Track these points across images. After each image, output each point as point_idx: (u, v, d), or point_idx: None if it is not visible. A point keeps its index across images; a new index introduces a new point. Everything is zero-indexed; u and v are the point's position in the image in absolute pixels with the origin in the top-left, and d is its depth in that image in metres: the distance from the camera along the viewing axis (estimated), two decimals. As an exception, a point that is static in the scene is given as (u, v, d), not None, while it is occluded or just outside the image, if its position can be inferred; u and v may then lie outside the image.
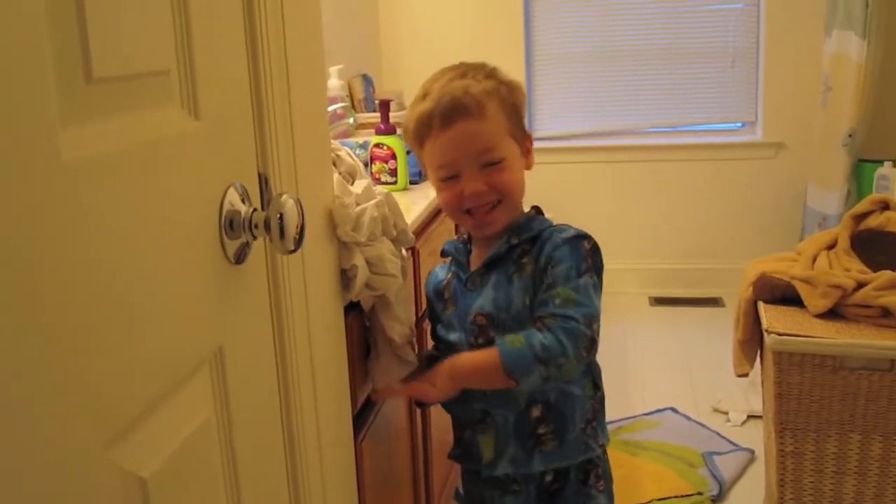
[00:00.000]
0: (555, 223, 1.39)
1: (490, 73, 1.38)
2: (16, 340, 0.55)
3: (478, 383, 1.34)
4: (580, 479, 1.38)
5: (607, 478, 1.42)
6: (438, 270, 1.48)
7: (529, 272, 1.32)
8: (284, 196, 0.88)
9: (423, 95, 1.35)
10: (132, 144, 0.70)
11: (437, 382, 1.33)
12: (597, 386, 1.41)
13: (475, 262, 1.40)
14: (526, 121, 1.43)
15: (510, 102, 1.36)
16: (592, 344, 1.27)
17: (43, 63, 0.59)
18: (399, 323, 1.35)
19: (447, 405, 1.42)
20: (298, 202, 0.89)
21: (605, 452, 1.43)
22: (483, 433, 1.38)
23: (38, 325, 0.57)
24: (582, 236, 1.32)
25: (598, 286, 1.31)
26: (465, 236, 1.45)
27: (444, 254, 1.48)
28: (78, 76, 0.63)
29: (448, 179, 1.33)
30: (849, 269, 2.07)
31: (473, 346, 1.35)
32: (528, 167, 1.40)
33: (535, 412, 1.33)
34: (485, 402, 1.37)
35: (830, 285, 2.00)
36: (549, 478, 1.38)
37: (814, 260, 2.15)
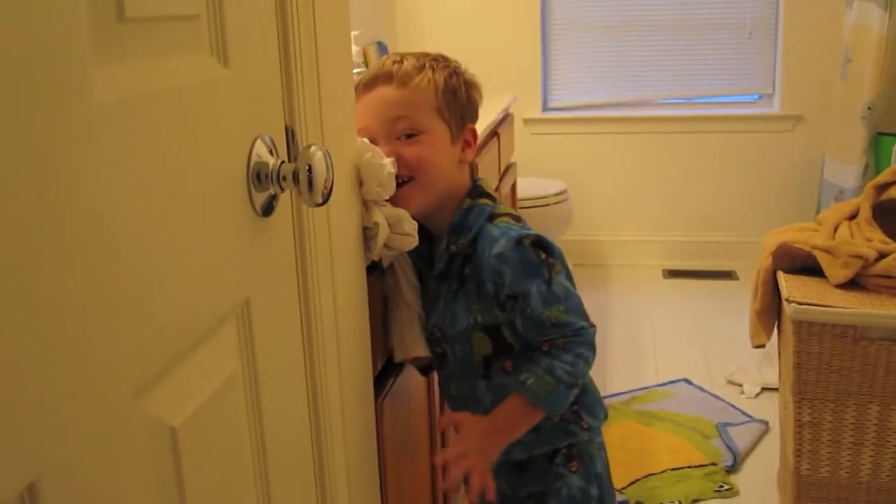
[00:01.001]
0: (495, 209, 1.31)
1: (447, 64, 1.34)
2: (46, 287, 0.54)
3: (521, 431, 1.27)
4: (546, 457, 1.34)
5: (586, 459, 1.36)
6: None
7: (474, 291, 1.27)
8: (313, 148, 0.86)
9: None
10: (163, 88, 0.69)
11: (477, 452, 1.24)
12: None
13: (435, 253, 1.34)
14: (473, 116, 1.37)
15: (447, 84, 1.30)
16: (594, 329, 1.27)
17: (76, -2, 0.57)
18: (409, 283, 1.34)
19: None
20: (327, 154, 0.87)
21: (594, 435, 1.38)
22: None
23: (67, 271, 0.56)
24: (520, 241, 1.24)
25: (564, 271, 1.27)
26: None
27: None
28: (110, 14, 0.62)
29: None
30: (870, 239, 2.05)
31: (434, 353, 1.35)
32: (463, 160, 1.34)
33: None
34: (458, 404, 1.38)
35: (852, 255, 1.99)
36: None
37: (835, 230, 2.13)
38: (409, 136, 1.27)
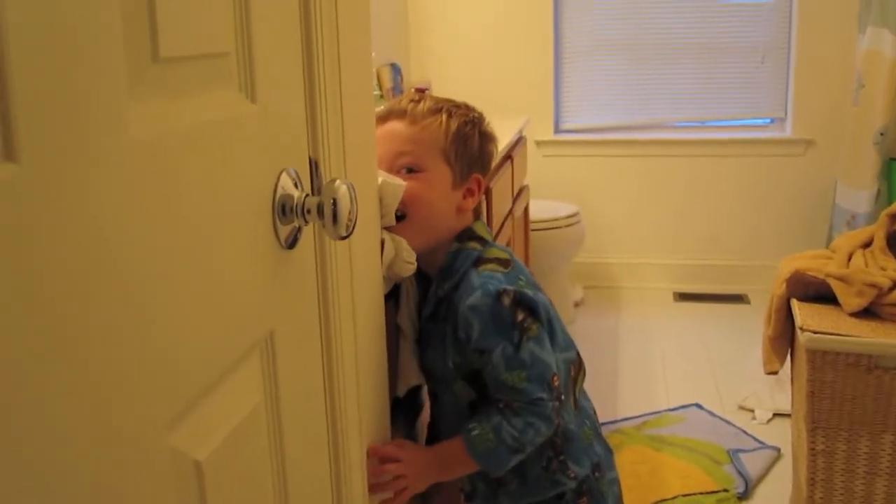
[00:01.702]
0: (484, 253, 1.30)
1: (466, 113, 1.33)
2: (75, 320, 0.55)
3: (458, 473, 1.29)
4: (555, 497, 1.33)
5: (596, 495, 1.35)
6: None
7: (451, 335, 1.26)
8: (338, 182, 0.87)
9: None
10: (194, 124, 0.70)
11: (413, 478, 1.24)
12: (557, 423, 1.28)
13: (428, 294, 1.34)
14: (482, 167, 1.36)
15: (462, 133, 1.31)
16: (561, 405, 1.24)
17: (115, 39, 0.59)
18: (409, 314, 1.34)
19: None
20: (352, 188, 0.88)
21: (606, 471, 1.38)
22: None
23: (96, 305, 0.57)
24: (496, 296, 1.21)
25: (541, 335, 1.23)
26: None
27: None
28: (146, 54, 0.63)
29: None
30: (885, 267, 2.05)
31: (431, 391, 1.36)
32: (463, 208, 1.32)
33: None
34: (502, 466, 1.34)
35: (866, 284, 1.99)
36: None
37: (849, 258, 2.13)
38: (410, 171, 1.27)
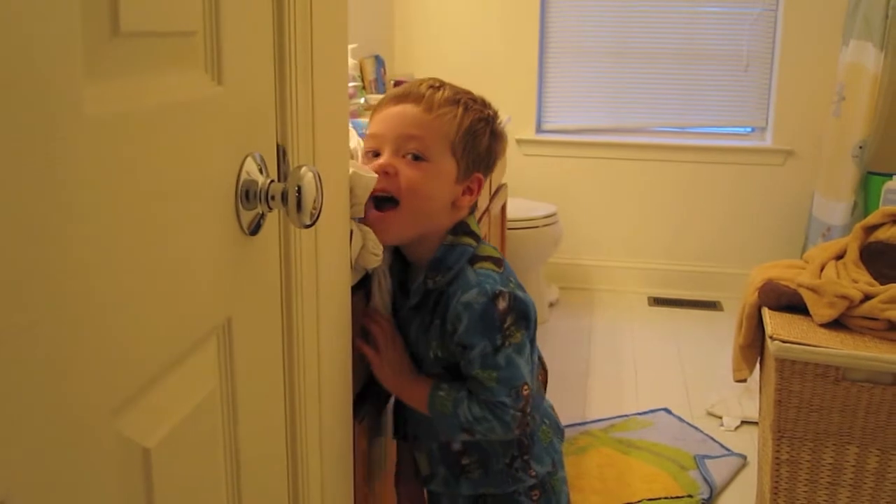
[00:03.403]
0: (477, 250, 1.29)
1: (481, 109, 1.32)
2: (24, 301, 0.53)
3: (406, 399, 1.32)
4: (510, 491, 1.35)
5: (549, 491, 1.36)
6: None
7: (438, 327, 1.26)
8: (304, 168, 0.85)
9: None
10: (154, 104, 0.68)
11: (384, 363, 1.29)
12: (527, 424, 1.29)
13: (411, 282, 1.33)
14: (485, 167, 1.34)
15: (474, 129, 1.29)
16: (524, 417, 1.24)
17: (70, 11, 0.57)
18: (379, 301, 1.33)
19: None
20: (318, 175, 0.87)
21: (558, 468, 1.39)
22: (418, 451, 1.39)
23: (47, 286, 0.55)
24: (493, 297, 1.21)
25: (523, 344, 1.24)
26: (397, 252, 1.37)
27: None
28: (104, 28, 0.61)
29: (370, 154, 1.29)
30: (856, 280, 2.05)
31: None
32: (459, 204, 1.30)
33: (456, 445, 1.33)
34: (413, 427, 1.38)
35: (837, 295, 1.99)
36: None
37: (821, 269, 2.13)
38: (415, 158, 1.25)
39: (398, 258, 1.34)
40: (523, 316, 1.24)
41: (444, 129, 1.26)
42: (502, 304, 1.22)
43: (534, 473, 1.34)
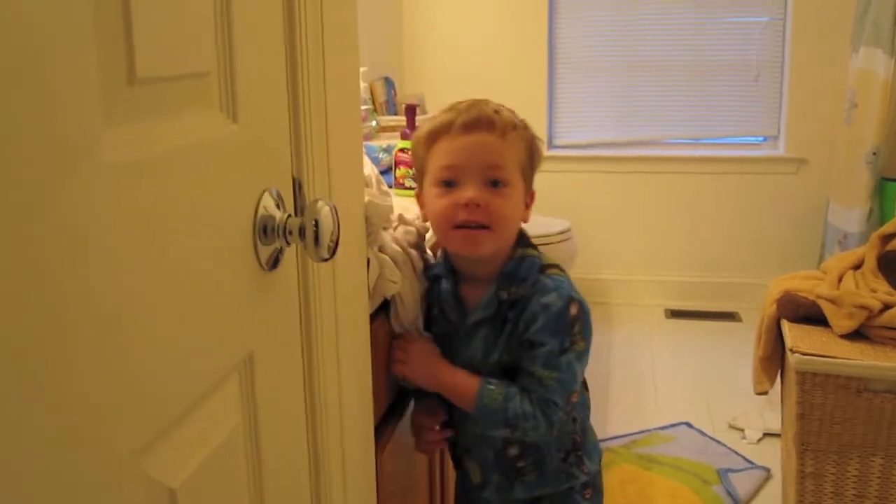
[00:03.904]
0: (543, 261, 1.35)
1: (520, 121, 1.37)
2: (48, 344, 0.53)
3: (450, 395, 1.36)
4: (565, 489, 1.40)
5: (597, 490, 1.44)
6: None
7: (509, 331, 1.31)
8: (320, 203, 0.86)
9: (449, 109, 1.34)
10: (172, 146, 0.69)
11: (413, 358, 1.34)
12: (575, 419, 1.39)
13: (469, 297, 1.36)
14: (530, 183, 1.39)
15: (532, 145, 1.35)
16: (566, 419, 1.31)
17: (88, 61, 0.57)
18: (403, 320, 1.35)
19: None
20: (334, 209, 0.87)
21: (598, 469, 1.45)
22: (469, 459, 1.43)
23: (70, 329, 0.56)
24: (568, 302, 1.29)
25: (584, 352, 1.31)
26: (446, 269, 1.40)
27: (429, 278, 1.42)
28: (121, 76, 0.62)
29: (445, 185, 1.30)
30: (875, 289, 2.04)
31: None
32: (524, 219, 1.37)
33: (512, 451, 1.38)
34: (466, 439, 1.42)
35: (856, 306, 1.98)
36: None
37: (839, 279, 2.12)
38: (494, 184, 1.29)
39: (451, 274, 1.39)
40: (588, 326, 1.32)
41: (517, 152, 1.32)
42: (574, 310, 1.29)
43: (586, 469, 1.39)
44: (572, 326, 1.28)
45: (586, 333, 1.31)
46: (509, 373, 1.32)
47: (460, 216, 1.28)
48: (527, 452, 1.37)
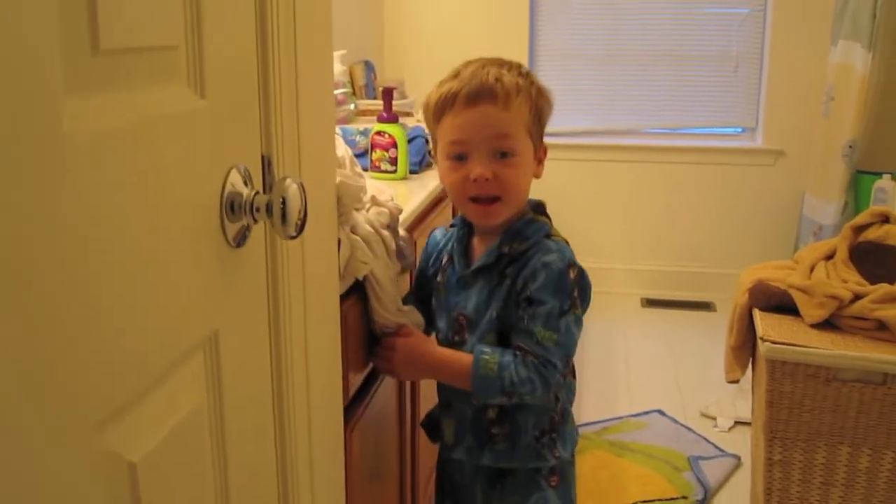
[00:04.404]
0: (551, 230, 1.37)
1: (525, 72, 1.37)
2: (7, 319, 0.53)
3: (445, 379, 1.38)
4: (532, 468, 1.39)
5: (565, 480, 1.43)
6: (438, 234, 1.50)
7: (505, 289, 1.33)
8: (288, 180, 0.86)
9: (454, 76, 1.35)
10: (136, 120, 0.68)
11: (396, 360, 1.36)
12: (558, 399, 1.39)
13: (478, 249, 1.39)
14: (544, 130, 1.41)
15: (537, 104, 1.35)
16: (563, 383, 1.33)
17: (49, 30, 0.57)
18: (380, 310, 1.35)
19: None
20: (301, 187, 0.87)
21: (570, 458, 1.44)
22: (447, 417, 1.43)
23: (30, 304, 0.55)
24: (567, 265, 1.31)
25: (580, 318, 1.33)
26: (462, 220, 1.44)
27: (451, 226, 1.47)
28: (85, 46, 0.61)
29: (456, 159, 1.33)
30: (846, 280, 2.06)
31: (450, 342, 1.39)
32: (538, 175, 1.39)
33: (491, 413, 1.37)
34: (448, 393, 1.42)
35: (827, 296, 1.99)
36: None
37: (811, 269, 2.14)
38: (503, 155, 1.31)
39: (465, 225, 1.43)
40: (586, 293, 1.36)
41: (522, 118, 1.33)
42: (573, 274, 1.31)
43: (558, 454, 1.38)
44: (572, 289, 1.30)
45: (584, 300, 1.34)
46: (502, 338, 1.33)
47: (472, 190, 1.31)
48: (504, 419, 1.36)
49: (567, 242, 1.37)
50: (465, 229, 1.43)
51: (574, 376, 1.45)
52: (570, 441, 1.42)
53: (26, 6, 0.54)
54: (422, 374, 1.39)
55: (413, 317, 1.41)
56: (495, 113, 1.30)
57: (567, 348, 1.30)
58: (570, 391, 1.44)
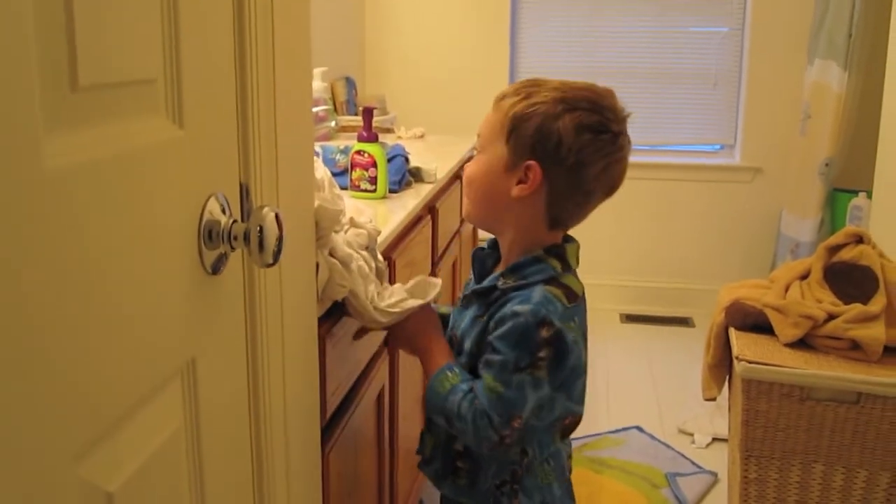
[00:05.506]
0: (558, 275, 1.28)
1: (549, 97, 1.28)
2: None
3: (423, 367, 1.37)
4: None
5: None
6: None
7: (484, 323, 1.28)
8: (265, 209, 0.87)
9: None
10: (115, 152, 0.69)
11: (407, 326, 1.39)
12: (525, 452, 1.29)
13: (493, 272, 1.35)
14: (545, 156, 1.26)
15: (520, 116, 1.26)
16: (500, 444, 1.23)
17: (28, 69, 0.58)
18: (362, 321, 1.36)
19: None
20: (278, 216, 0.88)
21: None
22: (428, 432, 1.41)
23: (7, 333, 0.56)
24: (539, 322, 1.20)
25: (542, 384, 1.21)
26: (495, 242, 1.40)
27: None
28: (63, 83, 0.62)
29: None
30: (821, 300, 2.08)
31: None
32: (516, 194, 1.26)
33: (458, 445, 1.33)
34: (431, 410, 1.37)
35: (802, 315, 2.02)
36: None
37: (786, 289, 2.16)
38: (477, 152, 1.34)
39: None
40: (559, 358, 1.23)
41: (499, 121, 1.28)
42: (545, 334, 1.20)
43: None
44: (537, 349, 1.20)
45: (554, 365, 1.22)
46: (474, 369, 1.29)
47: None
48: (468, 455, 1.32)
49: (570, 296, 1.27)
50: (495, 254, 1.39)
51: (563, 440, 1.37)
52: (536, 494, 1.31)
53: (4, 46, 0.55)
54: (413, 349, 1.39)
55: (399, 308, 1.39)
56: (488, 113, 1.32)
57: (511, 407, 1.20)
58: (559, 456, 1.35)
